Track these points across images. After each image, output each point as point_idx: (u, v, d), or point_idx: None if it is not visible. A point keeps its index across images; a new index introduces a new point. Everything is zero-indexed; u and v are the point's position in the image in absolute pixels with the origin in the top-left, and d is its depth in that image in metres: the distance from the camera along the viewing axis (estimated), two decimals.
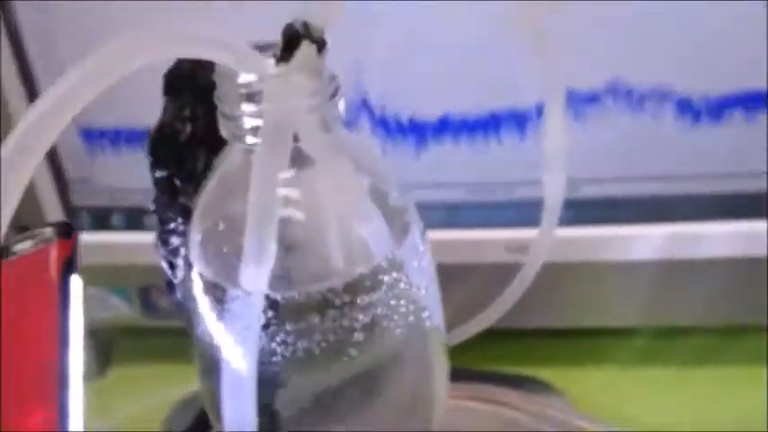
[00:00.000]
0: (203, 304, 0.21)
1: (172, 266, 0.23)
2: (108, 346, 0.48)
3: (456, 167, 0.38)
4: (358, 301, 0.20)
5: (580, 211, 0.38)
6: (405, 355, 0.22)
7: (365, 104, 0.35)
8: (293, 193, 0.20)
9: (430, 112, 0.36)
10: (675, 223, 0.38)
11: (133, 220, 0.42)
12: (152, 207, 0.24)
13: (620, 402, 0.40)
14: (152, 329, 0.45)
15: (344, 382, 0.20)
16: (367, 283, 0.20)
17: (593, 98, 0.35)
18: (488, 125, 0.36)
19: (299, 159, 0.19)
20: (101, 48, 0.16)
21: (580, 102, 0.35)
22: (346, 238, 0.21)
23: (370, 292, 0.20)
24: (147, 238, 0.42)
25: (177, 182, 0.22)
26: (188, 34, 0.16)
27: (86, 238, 0.41)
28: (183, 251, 0.22)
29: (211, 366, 0.20)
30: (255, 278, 0.18)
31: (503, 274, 0.31)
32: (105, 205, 0.42)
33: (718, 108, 0.35)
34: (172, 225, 0.22)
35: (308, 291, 0.19)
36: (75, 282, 0.26)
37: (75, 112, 0.16)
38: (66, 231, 0.29)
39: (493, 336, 0.31)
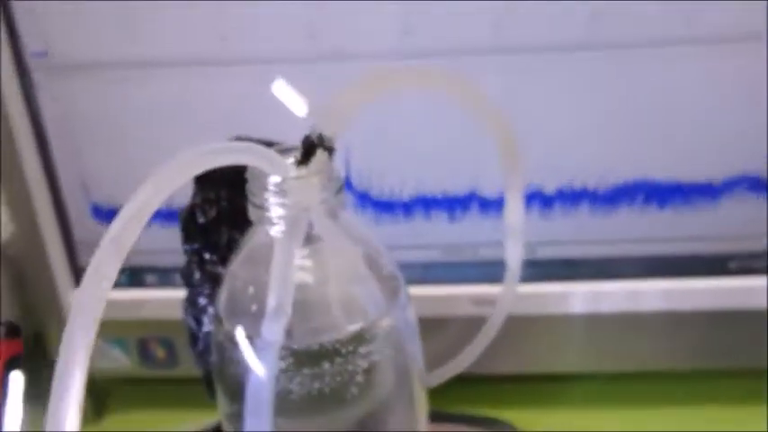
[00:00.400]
0: (230, 353, 0.25)
1: (198, 322, 0.27)
2: (104, 394, 0.52)
3: (430, 233, 0.43)
4: (360, 350, 0.24)
5: (537, 269, 0.43)
6: (395, 394, 0.26)
7: (348, 182, 0.40)
8: (305, 263, 0.24)
9: (408, 190, 0.41)
10: (621, 280, 0.44)
11: (134, 278, 0.46)
12: (182, 274, 0.28)
13: None
14: (147, 378, 0.48)
15: (346, 419, 0.25)
16: (366, 335, 0.25)
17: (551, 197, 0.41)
18: (458, 202, 0.42)
19: (310, 238, 0.24)
20: (166, 165, 0.20)
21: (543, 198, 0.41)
22: (347, 298, 0.25)
23: (368, 343, 0.25)
24: (146, 294, 0.46)
25: (206, 254, 0.26)
26: (231, 147, 0.21)
27: None
28: (209, 310, 0.26)
29: (235, 404, 0.25)
30: (275, 331, 0.23)
31: (471, 325, 0.36)
32: None
33: (662, 195, 0.41)
34: (200, 288, 0.27)
35: (321, 341, 0.24)
36: (16, 378, 0.29)
37: (147, 219, 0.20)
38: (14, 331, 0.32)
39: (462, 381, 0.36)
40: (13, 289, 0.47)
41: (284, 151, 0.23)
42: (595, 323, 0.45)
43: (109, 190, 0.43)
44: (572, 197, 0.41)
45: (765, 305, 0.43)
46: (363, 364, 0.25)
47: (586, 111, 0.40)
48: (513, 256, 0.35)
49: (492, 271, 0.37)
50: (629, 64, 0.39)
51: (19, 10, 0.39)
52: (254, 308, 0.23)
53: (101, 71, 0.41)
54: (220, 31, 0.39)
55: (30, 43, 0.40)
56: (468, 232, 0.43)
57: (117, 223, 0.20)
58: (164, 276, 0.46)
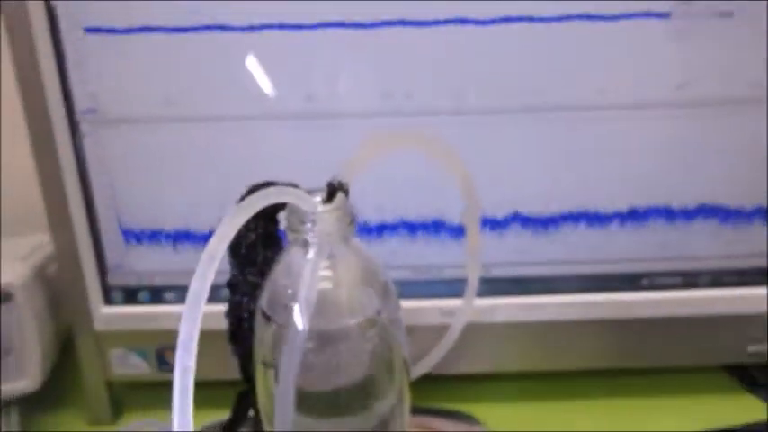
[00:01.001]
0: (268, 340, 0.34)
1: (239, 320, 0.36)
2: (121, 397, 0.60)
3: (403, 255, 0.52)
4: (364, 335, 0.34)
5: (491, 286, 0.53)
6: (388, 369, 0.36)
7: None
8: (326, 272, 0.34)
9: (387, 218, 0.51)
10: (557, 294, 0.54)
11: (154, 296, 0.55)
12: (228, 285, 0.37)
13: (517, 425, 0.55)
14: (164, 383, 0.56)
15: (354, 387, 0.34)
16: (367, 325, 0.34)
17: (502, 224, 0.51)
18: (428, 228, 0.52)
19: (330, 255, 0.33)
20: (242, 203, 0.29)
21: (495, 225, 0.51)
22: (353, 298, 0.35)
23: (369, 330, 0.34)
24: (164, 309, 0.54)
25: (247, 269, 0.35)
26: (282, 190, 0.31)
27: (118, 309, 0.54)
28: (251, 308, 0.35)
29: (269, 385, 0.34)
30: (302, 321, 0.32)
31: (438, 332, 0.45)
32: (134, 285, 0.54)
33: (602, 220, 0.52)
34: (243, 294, 0.36)
35: (335, 327, 0.33)
36: None
37: (229, 241, 0.29)
38: None
39: (429, 380, 0.44)
40: (50, 303, 0.55)
41: (316, 192, 0.32)
42: (537, 330, 0.55)
43: (138, 219, 0.52)
44: (520, 224, 0.51)
45: (675, 314, 0.54)
46: (368, 346, 0.34)
47: (532, 158, 0.51)
48: (472, 275, 0.44)
49: (454, 287, 0.47)
50: (563, 123, 0.49)
51: (74, 77, 0.48)
52: (289, 304, 0.33)
53: (136, 124, 0.50)
54: (240, 89, 0.48)
55: (80, 102, 0.49)
56: (434, 255, 0.53)
57: (212, 243, 0.29)
58: (180, 293, 0.54)
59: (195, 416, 0.43)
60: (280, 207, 0.35)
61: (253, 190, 0.32)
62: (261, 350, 0.35)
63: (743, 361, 0.57)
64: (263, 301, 0.34)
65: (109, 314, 0.54)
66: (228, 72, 0.48)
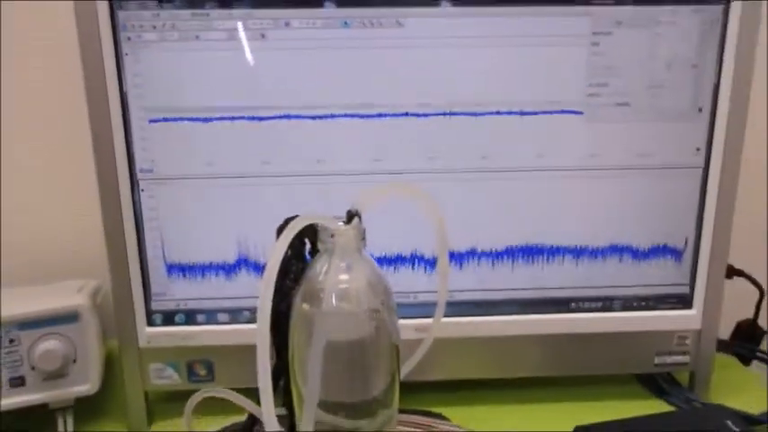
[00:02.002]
0: (303, 324, 0.48)
1: (279, 316, 0.50)
2: (152, 406, 0.71)
3: None
4: (371, 319, 0.49)
5: (455, 308, 0.68)
6: (387, 346, 0.50)
7: None
8: (343, 276, 0.48)
9: (374, 253, 0.66)
10: (508, 315, 0.69)
11: (189, 318, 0.68)
12: (276, 288, 0.51)
13: (476, 421, 0.69)
14: (192, 391, 0.67)
15: (363, 357, 0.48)
16: (372, 312, 0.49)
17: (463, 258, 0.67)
18: (405, 259, 0.67)
19: (347, 261, 0.48)
20: (288, 228, 0.44)
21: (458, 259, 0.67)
22: (363, 294, 0.50)
23: (374, 316, 0.49)
24: (195, 329, 0.67)
25: (288, 276, 0.50)
26: (316, 215, 0.46)
27: (157, 330, 0.67)
28: (290, 301, 0.49)
29: (302, 361, 0.48)
30: (331, 305, 0.47)
31: (413, 345, 0.59)
32: (172, 309, 0.68)
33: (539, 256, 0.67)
34: (285, 292, 0.50)
35: (352, 312, 0.48)
36: None
37: (281, 258, 0.44)
38: None
39: (404, 386, 0.55)
40: (100, 327, 0.67)
41: (339, 220, 0.48)
42: (490, 344, 0.70)
43: (180, 256, 0.66)
44: (477, 258, 0.67)
45: (595, 331, 0.70)
46: (372, 328, 0.49)
47: (486, 206, 0.67)
48: (441, 300, 0.58)
49: (426, 309, 0.61)
50: (510, 181, 0.66)
51: (137, 144, 0.63)
52: (319, 295, 0.47)
53: (182, 181, 0.64)
54: (264, 155, 0.64)
55: (140, 161, 0.63)
56: (409, 282, 0.68)
57: (271, 261, 0.43)
58: (210, 315, 0.68)
59: (218, 419, 0.56)
60: (307, 232, 0.50)
61: (288, 221, 0.47)
62: (295, 334, 0.50)
63: (650, 371, 0.73)
64: (300, 296, 0.49)
65: (150, 333, 0.67)
66: (256, 142, 0.63)
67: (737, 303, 0.80)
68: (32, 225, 0.86)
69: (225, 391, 0.51)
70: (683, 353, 0.72)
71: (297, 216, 0.46)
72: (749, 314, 0.83)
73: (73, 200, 0.84)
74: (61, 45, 0.70)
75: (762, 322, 0.83)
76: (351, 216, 0.48)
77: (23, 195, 0.85)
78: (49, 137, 0.83)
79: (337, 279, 0.48)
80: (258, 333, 0.42)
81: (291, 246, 0.48)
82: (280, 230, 0.48)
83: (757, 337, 0.83)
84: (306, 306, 0.48)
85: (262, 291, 0.43)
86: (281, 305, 0.50)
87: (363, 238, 0.49)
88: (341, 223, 0.48)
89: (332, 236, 0.47)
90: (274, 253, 0.44)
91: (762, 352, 0.82)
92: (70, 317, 0.62)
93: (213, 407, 0.56)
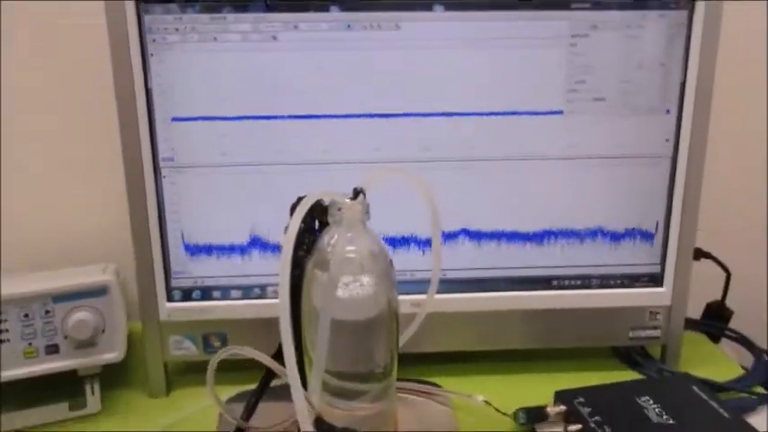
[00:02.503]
0: (315, 282, 0.55)
1: (298, 266, 0.56)
2: (171, 377, 0.77)
3: None
4: (374, 284, 0.55)
5: (447, 285, 0.74)
6: (389, 312, 0.57)
7: None
8: (350, 246, 0.55)
9: None
10: (496, 291, 0.76)
11: (205, 294, 0.75)
12: (293, 257, 0.58)
13: (470, 386, 0.75)
14: (207, 362, 0.68)
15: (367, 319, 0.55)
16: (374, 277, 0.56)
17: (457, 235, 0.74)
18: (400, 242, 0.74)
19: (353, 231, 0.55)
20: (302, 201, 0.51)
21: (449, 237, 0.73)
22: (366, 262, 0.56)
23: (377, 281, 0.56)
24: (210, 305, 0.74)
25: (302, 247, 0.56)
26: (325, 193, 0.53)
27: (176, 305, 0.73)
28: (303, 266, 0.56)
29: (311, 319, 0.55)
30: (339, 270, 0.53)
31: (409, 319, 0.66)
32: (189, 285, 0.74)
33: (524, 238, 0.74)
34: (300, 261, 0.56)
35: (357, 276, 0.55)
36: None
37: (297, 230, 0.51)
38: None
39: (401, 357, 0.62)
40: (124, 302, 0.73)
41: (346, 195, 0.55)
42: (479, 318, 0.76)
43: (197, 237, 0.73)
44: (470, 239, 0.74)
45: (575, 306, 0.76)
46: (375, 291, 0.56)
47: (478, 192, 0.73)
48: (434, 277, 0.65)
49: (421, 286, 0.68)
50: (498, 169, 0.73)
51: (160, 132, 0.69)
52: (328, 262, 0.54)
53: (199, 169, 0.71)
54: (275, 147, 0.70)
55: (162, 151, 0.70)
56: (406, 261, 0.74)
57: (290, 230, 0.50)
58: (224, 292, 0.75)
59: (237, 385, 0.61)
60: (316, 210, 0.57)
61: (300, 199, 0.54)
62: (307, 299, 0.56)
63: (625, 344, 0.80)
64: (311, 264, 0.55)
65: (170, 308, 0.74)
66: (267, 134, 0.70)
67: (707, 286, 0.88)
68: (54, 215, 0.92)
69: (245, 349, 0.58)
70: (655, 327, 0.78)
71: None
72: (718, 296, 0.90)
73: (94, 191, 0.91)
74: (91, 41, 0.76)
75: (730, 303, 0.90)
76: (356, 193, 0.55)
77: (46, 187, 0.91)
78: (74, 130, 0.90)
79: (344, 248, 0.54)
80: (280, 290, 0.49)
81: (303, 221, 0.54)
82: (293, 208, 0.55)
83: (726, 316, 0.90)
84: (317, 272, 0.55)
85: (282, 255, 0.49)
86: (295, 272, 0.57)
87: (367, 212, 0.55)
88: (348, 199, 0.55)
89: (339, 209, 0.54)
90: (292, 223, 0.51)
91: (730, 330, 0.89)
92: (99, 291, 0.68)
93: (224, 378, 0.62)
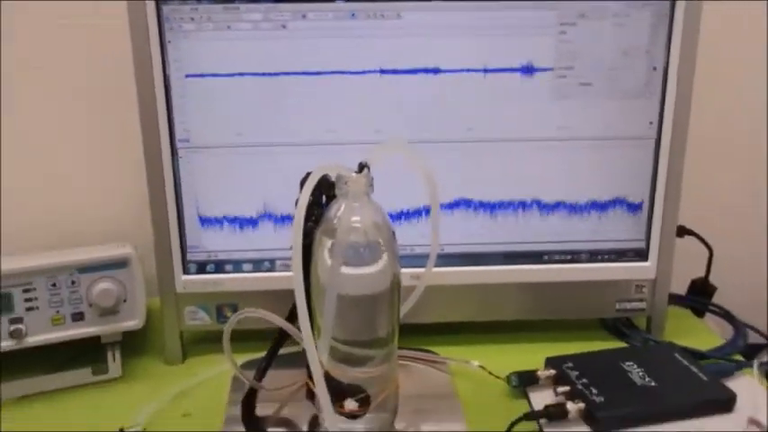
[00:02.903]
0: (323, 248, 0.60)
1: (307, 236, 0.61)
2: (186, 345, 0.82)
3: None
4: (377, 250, 0.60)
5: (445, 259, 0.80)
6: (392, 282, 0.62)
7: None
8: (356, 216, 0.60)
9: None
10: (491, 265, 0.81)
11: (218, 267, 0.80)
12: (304, 228, 0.63)
13: (466, 354, 0.80)
14: (220, 331, 0.70)
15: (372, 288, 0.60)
16: (377, 244, 0.61)
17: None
18: (404, 217, 0.79)
19: (358, 202, 0.60)
20: (312, 174, 0.56)
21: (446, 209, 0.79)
22: (370, 231, 0.61)
23: (380, 249, 0.61)
24: (223, 277, 0.79)
25: (311, 218, 0.61)
26: (333, 166, 0.58)
27: (192, 277, 0.78)
28: (311, 236, 0.61)
29: (320, 288, 0.60)
30: (346, 238, 0.58)
31: (409, 291, 0.71)
32: (204, 259, 0.79)
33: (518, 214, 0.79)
34: (310, 230, 0.61)
35: (362, 243, 0.60)
36: None
37: (307, 200, 0.56)
38: None
39: (401, 327, 0.66)
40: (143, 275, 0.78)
41: (347, 169, 0.59)
42: (475, 290, 0.81)
43: (210, 211, 0.78)
44: (466, 216, 0.79)
45: (565, 280, 0.81)
46: (382, 255, 0.60)
47: (477, 173, 0.78)
48: (432, 252, 0.70)
49: (422, 260, 0.73)
50: (491, 148, 0.78)
51: (176, 116, 0.74)
52: (336, 231, 0.59)
53: (214, 149, 0.76)
54: (284, 128, 0.75)
55: (179, 132, 0.75)
56: (406, 237, 0.79)
57: (300, 205, 0.55)
58: (236, 265, 0.80)
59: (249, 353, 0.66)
60: (323, 186, 0.62)
61: (308, 175, 0.59)
62: (317, 269, 0.61)
63: (612, 315, 0.85)
64: (320, 231, 0.60)
65: (186, 280, 0.79)
66: (276, 116, 0.75)
67: (692, 264, 0.93)
68: (75, 197, 0.97)
69: (260, 311, 0.63)
70: (641, 300, 0.83)
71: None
72: (702, 273, 0.95)
73: (110, 175, 0.96)
74: (110, 29, 0.82)
75: (713, 279, 0.95)
76: (361, 167, 0.60)
77: (65, 170, 0.97)
78: (93, 117, 0.95)
79: (350, 217, 0.59)
80: (293, 254, 0.54)
81: (312, 194, 0.59)
82: (303, 181, 0.60)
83: (709, 292, 0.95)
84: (325, 239, 0.60)
85: (294, 223, 0.54)
86: (305, 241, 0.62)
87: (371, 185, 0.60)
88: (353, 173, 0.60)
89: (346, 183, 0.59)
90: (303, 193, 0.56)
91: (713, 305, 0.94)
92: (121, 263, 0.74)
93: (234, 347, 0.67)
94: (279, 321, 0.63)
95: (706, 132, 0.86)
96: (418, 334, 0.81)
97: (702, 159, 0.88)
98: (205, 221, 0.78)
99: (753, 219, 1.09)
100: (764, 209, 1.08)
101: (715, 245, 0.93)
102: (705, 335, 0.87)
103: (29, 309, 0.71)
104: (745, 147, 1.06)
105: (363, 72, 0.74)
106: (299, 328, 0.57)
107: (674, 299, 0.92)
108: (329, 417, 0.57)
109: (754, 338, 0.87)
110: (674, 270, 0.84)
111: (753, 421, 0.66)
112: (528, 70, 0.75)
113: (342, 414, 0.62)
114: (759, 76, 1.02)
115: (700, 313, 0.94)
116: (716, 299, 0.94)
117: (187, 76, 0.73)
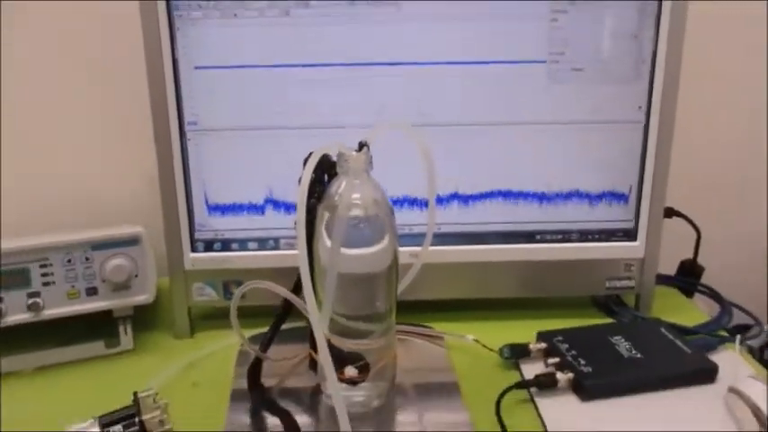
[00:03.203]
0: (323, 224, 0.63)
1: (310, 212, 0.64)
2: (194, 320, 0.86)
3: None
4: (376, 222, 0.64)
5: (441, 238, 0.83)
6: (393, 259, 0.65)
7: None
8: (356, 193, 0.64)
9: None
10: (486, 244, 0.85)
11: (224, 246, 0.83)
12: (307, 205, 0.66)
13: (461, 330, 0.84)
14: (226, 307, 0.71)
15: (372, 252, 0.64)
16: (376, 217, 0.64)
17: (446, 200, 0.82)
18: (399, 202, 0.82)
19: (359, 179, 0.64)
20: (313, 153, 0.60)
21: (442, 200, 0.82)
22: (369, 202, 0.65)
23: (378, 221, 0.64)
24: (229, 255, 0.82)
25: (314, 195, 0.65)
26: (335, 145, 0.61)
27: (199, 255, 0.82)
28: (312, 215, 0.64)
29: (321, 264, 0.63)
30: (346, 212, 0.62)
31: (406, 268, 0.74)
32: (211, 238, 0.83)
33: (511, 197, 0.83)
34: (312, 206, 0.65)
35: (362, 216, 0.63)
36: None
37: (309, 179, 0.59)
38: None
39: (398, 304, 0.70)
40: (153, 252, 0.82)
41: (348, 147, 0.63)
42: (470, 268, 0.85)
43: (218, 194, 0.81)
44: (458, 200, 0.83)
45: (557, 259, 0.85)
46: (376, 226, 0.64)
47: (468, 155, 0.82)
48: (429, 231, 0.73)
49: (418, 239, 0.76)
50: (485, 133, 0.81)
51: (186, 102, 0.78)
52: (336, 206, 0.62)
53: (223, 132, 0.80)
54: (287, 112, 0.79)
55: (187, 116, 0.79)
56: (405, 217, 0.83)
57: (303, 181, 0.58)
58: (242, 244, 0.83)
59: (253, 329, 0.70)
60: (325, 165, 0.65)
61: (311, 154, 0.63)
62: (319, 245, 0.65)
63: (602, 293, 0.88)
64: (322, 207, 0.64)
65: (194, 258, 0.82)
66: (280, 101, 0.79)
67: (681, 246, 0.97)
68: (88, 180, 1.01)
69: (266, 283, 0.66)
70: (630, 278, 0.87)
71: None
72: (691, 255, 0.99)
73: (121, 159, 1.00)
74: (121, 17, 0.85)
75: (701, 260, 0.99)
76: (361, 146, 0.63)
77: (79, 156, 1.00)
78: (105, 103, 0.99)
79: (351, 194, 0.63)
80: (297, 228, 0.57)
81: (314, 173, 0.63)
82: (306, 160, 0.63)
83: (697, 272, 0.98)
84: (326, 215, 0.64)
85: (298, 197, 0.58)
86: (308, 217, 0.65)
87: (371, 163, 0.64)
88: (354, 152, 0.63)
89: (346, 160, 0.63)
90: (306, 171, 0.59)
91: (701, 285, 0.98)
92: (133, 240, 0.77)
93: (240, 323, 0.70)
94: (283, 292, 0.67)
95: (695, 116, 0.89)
96: (416, 310, 0.84)
97: (691, 142, 0.91)
98: (211, 204, 0.81)
99: (740, 201, 1.12)
100: (751, 191, 1.11)
101: (704, 227, 0.96)
102: (692, 313, 0.91)
103: (45, 284, 0.75)
104: (734, 130, 1.09)
105: (364, 61, 0.78)
106: (302, 300, 0.61)
107: (664, 279, 0.96)
108: (331, 381, 0.61)
109: (746, 320, 0.90)
110: (665, 252, 0.87)
111: (732, 390, 0.69)
112: (521, 56, 0.79)
113: (342, 381, 0.66)
114: (748, 58, 1.05)
115: (689, 293, 0.98)
116: (707, 280, 0.98)
117: (196, 67, 0.77)
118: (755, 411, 0.66)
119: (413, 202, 0.83)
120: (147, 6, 0.74)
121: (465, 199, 0.83)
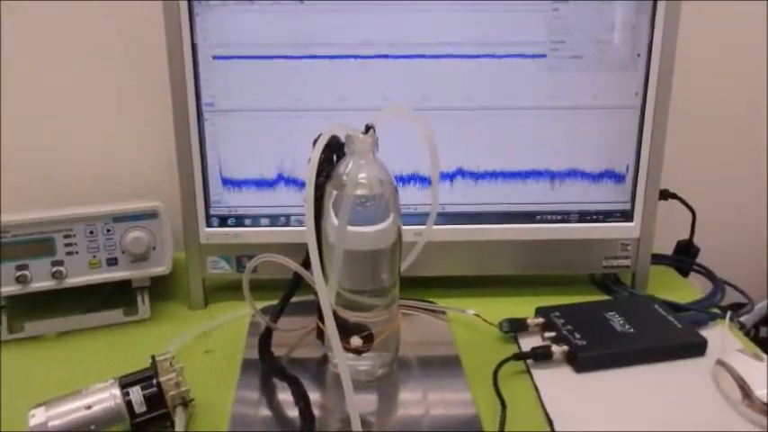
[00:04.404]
0: (331, 202, 0.67)
1: (318, 189, 0.68)
2: (208, 292, 0.90)
3: None
4: (381, 200, 0.68)
5: (444, 217, 0.87)
6: (396, 237, 0.69)
7: None
8: (362, 173, 0.67)
9: None
10: (489, 224, 0.88)
11: (238, 221, 0.87)
12: (316, 183, 0.70)
13: (463, 306, 0.88)
14: (239, 280, 0.75)
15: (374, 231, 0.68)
16: (381, 195, 0.68)
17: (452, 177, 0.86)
18: (403, 180, 0.86)
19: (365, 160, 0.67)
20: (322, 135, 0.63)
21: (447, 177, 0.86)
22: (375, 185, 0.68)
23: (382, 199, 0.68)
24: (243, 230, 0.86)
25: (322, 174, 0.68)
26: (342, 127, 0.65)
27: (214, 230, 0.86)
28: (321, 194, 0.68)
29: (328, 240, 0.67)
30: (353, 189, 0.66)
31: (412, 246, 0.78)
32: (225, 214, 0.87)
33: (511, 177, 0.86)
34: (321, 184, 0.68)
35: (368, 194, 0.67)
36: None
37: (318, 160, 0.63)
38: None
39: (402, 280, 0.74)
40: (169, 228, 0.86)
41: (354, 129, 0.67)
42: (473, 247, 0.89)
43: (233, 172, 0.85)
44: (462, 177, 0.86)
45: (556, 238, 0.88)
46: (380, 206, 0.68)
47: (474, 138, 0.86)
48: (433, 210, 0.76)
49: (422, 218, 0.80)
50: (490, 116, 0.85)
51: (203, 84, 0.82)
52: (344, 185, 0.66)
53: (236, 113, 0.83)
54: (299, 95, 0.83)
55: (204, 97, 0.83)
56: (410, 197, 0.87)
57: (312, 161, 0.62)
58: (255, 220, 0.87)
59: (264, 301, 0.74)
60: (333, 146, 0.69)
61: (319, 136, 0.66)
62: (327, 222, 0.68)
63: (599, 271, 0.92)
64: (330, 185, 0.68)
65: (209, 233, 0.87)
66: (293, 84, 0.82)
67: (678, 227, 1.00)
68: (110, 157, 1.06)
69: (277, 256, 0.70)
70: (626, 257, 0.90)
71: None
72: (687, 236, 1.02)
73: (141, 137, 1.04)
74: (144, 6, 0.89)
75: (697, 241, 1.02)
76: (368, 128, 0.67)
77: (97, 135, 1.05)
78: (128, 86, 1.03)
79: (357, 174, 0.67)
80: (306, 204, 0.61)
81: (323, 153, 0.66)
82: (315, 141, 0.67)
83: (693, 252, 1.02)
84: (334, 193, 0.67)
85: (307, 175, 0.62)
86: (317, 194, 0.69)
87: (377, 144, 0.68)
88: (360, 134, 0.67)
89: (353, 142, 0.66)
90: (315, 150, 0.63)
91: (697, 265, 1.01)
92: (151, 214, 0.82)
93: (251, 295, 0.74)
94: (293, 265, 0.71)
95: (691, 100, 0.92)
96: (420, 286, 0.88)
97: (687, 126, 0.94)
98: (226, 181, 0.85)
99: (736, 184, 1.15)
100: (748, 176, 1.15)
101: (699, 208, 0.99)
102: (687, 291, 0.94)
103: (69, 253, 0.79)
104: (730, 114, 1.12)
105: (372, 48, 0.81)
106: (311, 273, 0.64)
107: (661, 258, 0.99)
108: (337, 351, 0.65)
109: (741, 299, 0.94)
110: (662, 233, 0.91)
111: (720, 362, 0.73)
112: (523, 43, 0.82)
113: (348, 350, 0.70)
114: (747, 42, 1.08)
115: (685, 273, 1.01)
116: (706, 261, 1.01)
117: (214, 54, 0.81)
118: (740, 383, 0.69)
119: (422, 179, 0.86)
120: None
121: (468, 179, 0.86)
